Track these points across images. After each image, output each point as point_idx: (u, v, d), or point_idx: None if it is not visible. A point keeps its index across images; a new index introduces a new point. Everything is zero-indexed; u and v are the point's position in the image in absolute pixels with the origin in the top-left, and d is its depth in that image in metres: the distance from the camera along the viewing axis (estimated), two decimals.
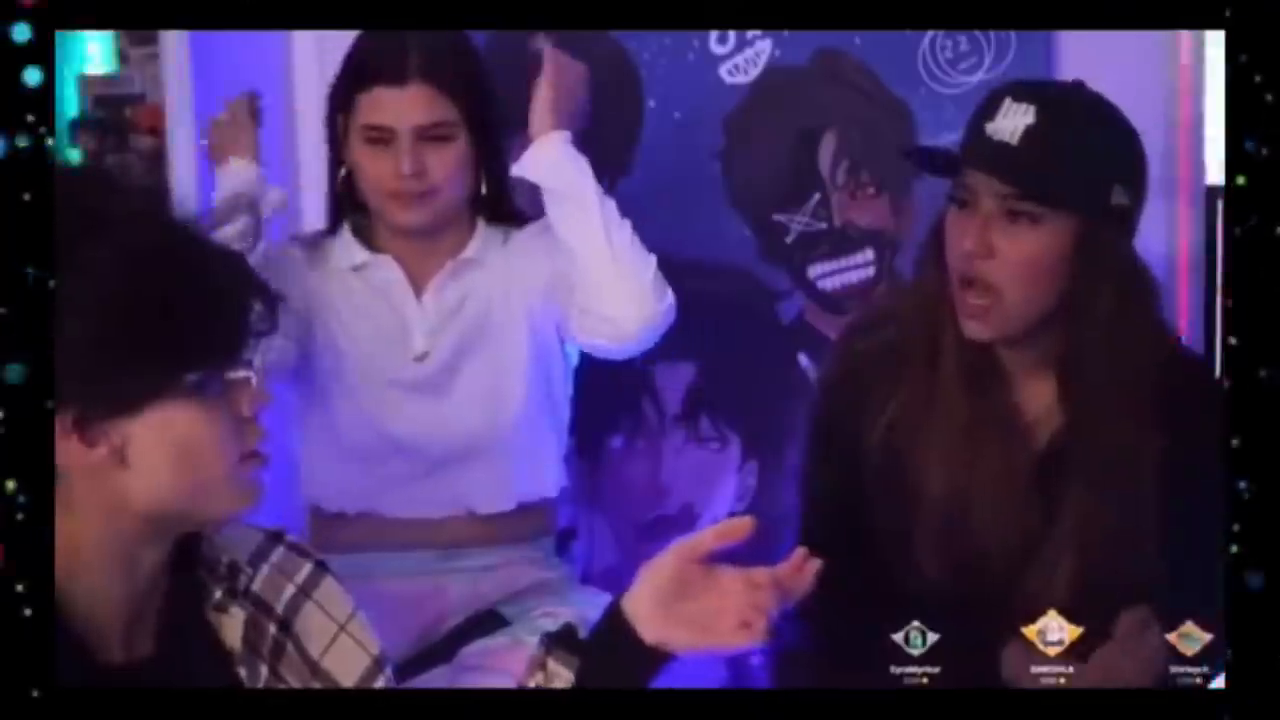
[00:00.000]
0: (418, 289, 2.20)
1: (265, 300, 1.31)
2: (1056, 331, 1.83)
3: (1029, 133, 1.77)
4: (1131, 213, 1.83)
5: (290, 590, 1.42)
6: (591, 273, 2.12)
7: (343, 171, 2.20)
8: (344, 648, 1.43)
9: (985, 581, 1.83)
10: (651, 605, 1.35)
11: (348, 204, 2.22)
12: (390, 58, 2.11)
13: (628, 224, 2.15)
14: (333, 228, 2.25)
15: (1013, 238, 1.79)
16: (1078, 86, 1.86)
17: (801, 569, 1.40)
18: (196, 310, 1.27)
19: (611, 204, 2.16)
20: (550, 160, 2.17)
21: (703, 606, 1.34)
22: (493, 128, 2.19)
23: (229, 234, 2.08)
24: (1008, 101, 1.79)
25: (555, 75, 2.22)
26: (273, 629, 1.40)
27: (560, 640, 1.40)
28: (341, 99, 2.17)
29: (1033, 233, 1.79)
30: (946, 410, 1.85)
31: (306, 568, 1.44)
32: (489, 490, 2.21)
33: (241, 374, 1.30)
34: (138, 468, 1.27)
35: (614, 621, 1.36)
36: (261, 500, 1.35)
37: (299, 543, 1.46)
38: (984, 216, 1.79)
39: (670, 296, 2.16)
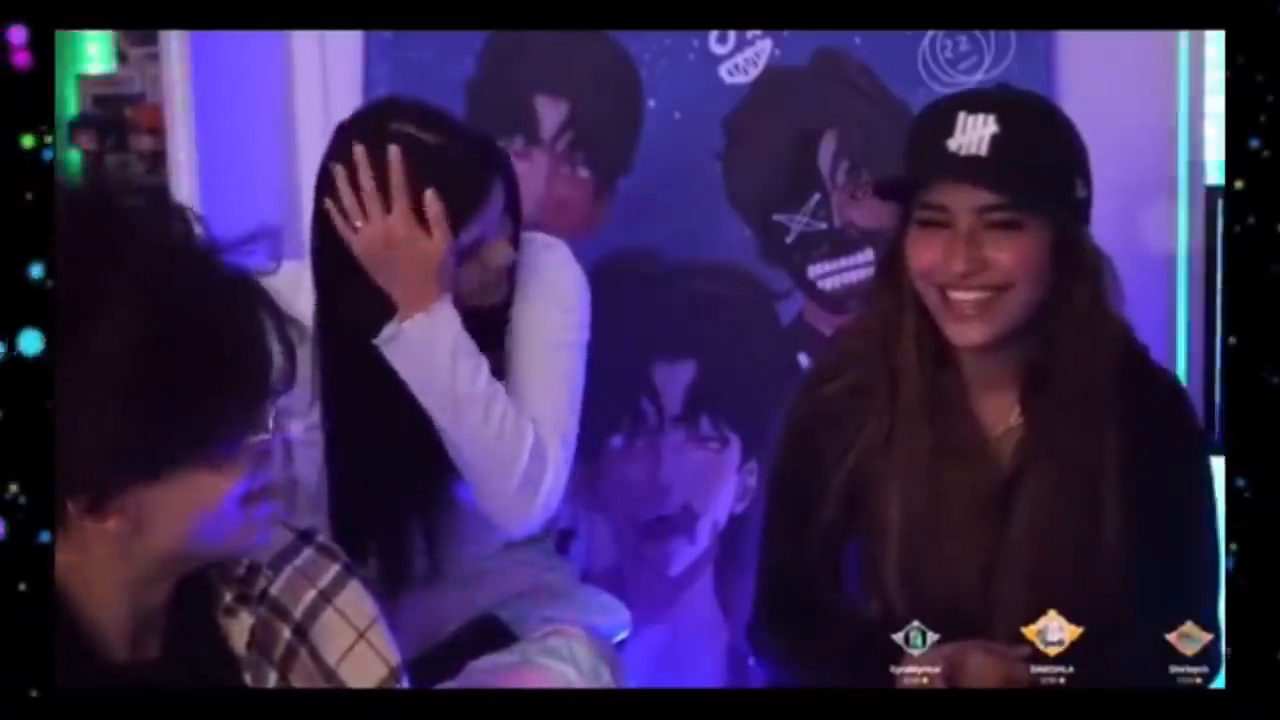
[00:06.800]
0: None
1: (285, 346, 1.27)
2: (1025, 335, 1.82)
3: (996, 141, 1.75)
4: (1088, 204, 1.84)
5: (311, 595, 1.40)
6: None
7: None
8: (361, 656, 1.40)
9: (957, 605, 1.81)
10: None
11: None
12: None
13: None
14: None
15: (1000, 247, 1.77)
16: (1012, 89, 1.85)
17: None
18: (220, 383, 1.23)
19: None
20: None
21: None
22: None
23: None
24: (962, 115, 1.77)
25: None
26: (287, 634, 1.38)
27: None
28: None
29: (1017, 239, 1.78)
30: (909, 437, 1.84)
31: (332, 570, 1.42)
32: (476, 542, 2.17)
33: (262, 438, 1.27)
34: (152, 529, 1.25)
35: None
36: (270, 534, 1.34)
37: (329, 544, 1.43)
38: (966, 233, 1.77)
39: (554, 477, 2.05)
